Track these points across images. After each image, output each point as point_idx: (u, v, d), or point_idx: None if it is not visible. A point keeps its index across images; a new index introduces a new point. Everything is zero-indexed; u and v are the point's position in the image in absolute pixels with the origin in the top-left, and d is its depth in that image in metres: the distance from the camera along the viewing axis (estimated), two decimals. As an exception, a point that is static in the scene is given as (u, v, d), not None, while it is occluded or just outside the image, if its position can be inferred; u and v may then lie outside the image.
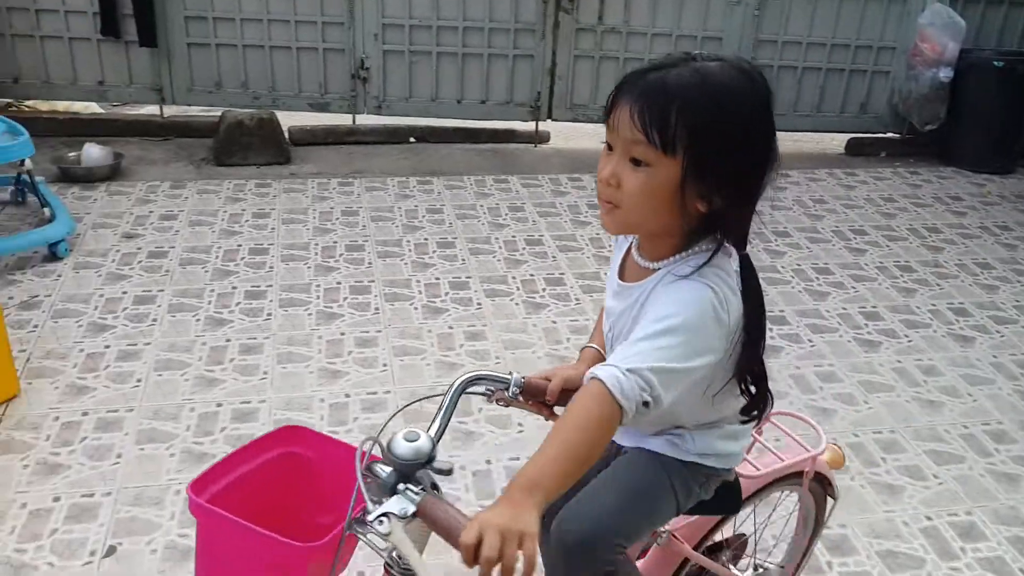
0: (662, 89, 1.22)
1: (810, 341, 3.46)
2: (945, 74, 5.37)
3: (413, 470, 1.17)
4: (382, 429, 1.25)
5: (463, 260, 3.92)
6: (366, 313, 3.43)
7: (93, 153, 4.44)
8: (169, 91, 5.16)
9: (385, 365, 3.10)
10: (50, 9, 4.92)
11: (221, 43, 5.10)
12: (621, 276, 1.43)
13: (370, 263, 3.83)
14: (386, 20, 5.17)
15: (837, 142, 5.99)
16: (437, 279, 3.74)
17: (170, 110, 5.34)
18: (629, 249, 1.43)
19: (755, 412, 1.42)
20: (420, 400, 1.50)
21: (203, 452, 2.61)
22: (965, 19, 5.36)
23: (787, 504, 2.06)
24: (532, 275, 3.84)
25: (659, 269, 1.33)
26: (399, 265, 3.83)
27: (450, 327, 3.38)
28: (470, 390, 1.42)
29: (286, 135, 5.09)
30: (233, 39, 5.10)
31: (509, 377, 1.44)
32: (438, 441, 1.24)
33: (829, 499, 2.00)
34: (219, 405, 2.83)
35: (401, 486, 1.15)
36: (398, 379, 3.03)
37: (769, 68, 5.55)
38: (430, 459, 1.18)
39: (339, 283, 3.64)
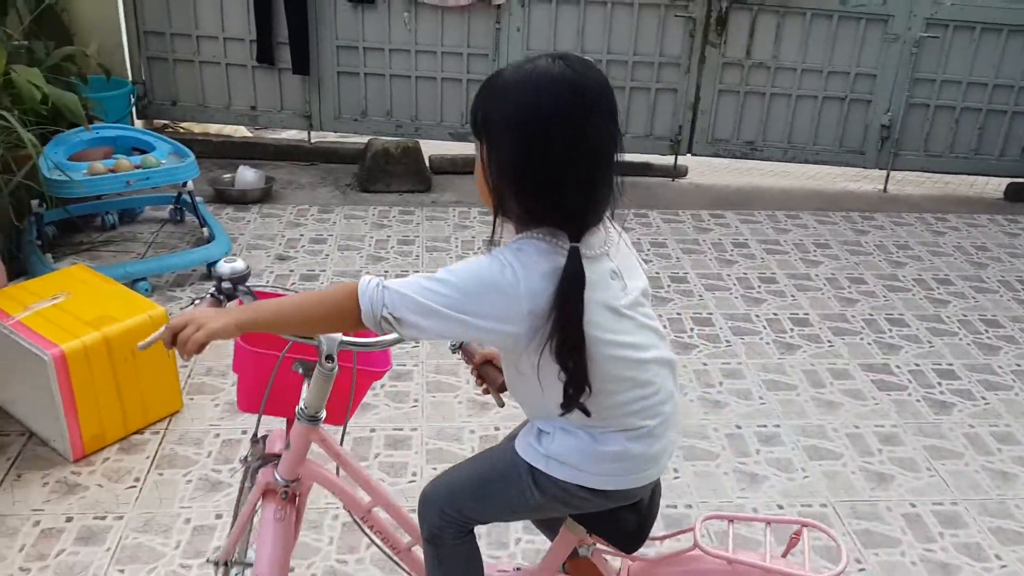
0: (485, 84, 1.38)
1: (984, 399, 3.22)
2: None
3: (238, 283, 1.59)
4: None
5: (608, 295, 3.83)
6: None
7: (247, 176, 4.58)
8: (317, 118, 5.29)
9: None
10: (210, 36, 5.13)
11: (369, 72, 5.21)
12: None
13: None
14: (529, 52, 5.18)
15: (993, 186, 5.66)
16: (582, 313, 3.66)
17: (315, 136, 5.47)
18: None
19: (568, 399, 1.38)
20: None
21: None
22: None
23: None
24: (679, 314, 3.72)
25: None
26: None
27: (598, 364, 3.29)
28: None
29: (427, 163, 5.14)
30: (381, 69, 5.20)
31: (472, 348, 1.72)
32: None
33: None
34: (372, 431, 2.82)
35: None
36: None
37: (925, 108, 5.30)
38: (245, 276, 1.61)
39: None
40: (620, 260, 1.47)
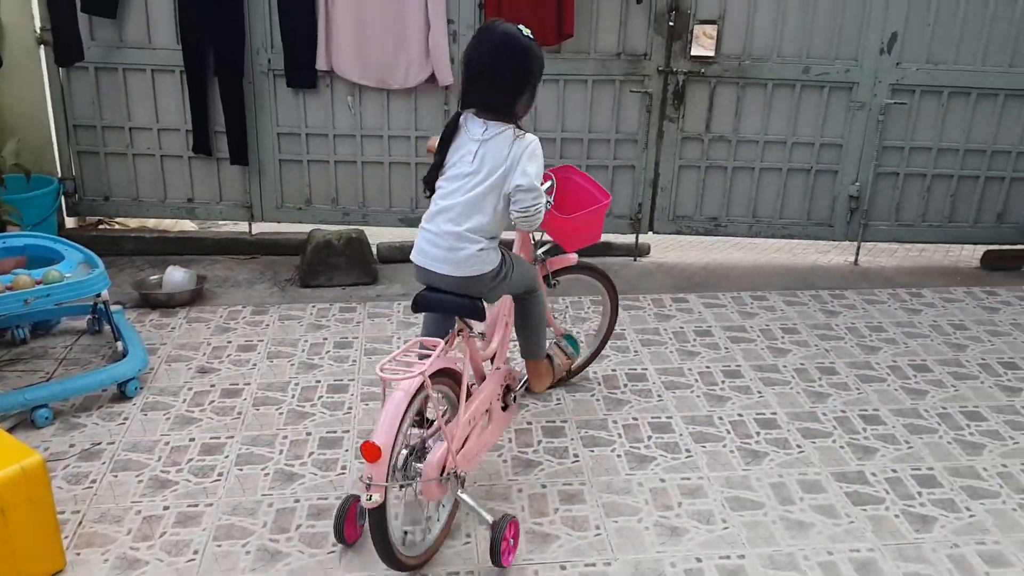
0: None
1: (968, 510, 2.92)
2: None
3: None
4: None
5: (558, 399, 3.54)
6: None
7: (175, 277, 4.30)
8: (258, 208, 5.04)
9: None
10: (143, 127, 4.89)
11: (313, 159, 4.98)
12: None
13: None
14: (480, 132, 4.96)
15: (968, 253, 5.43)
16: (529, 424, 3.36)
17: (257, 227, 5.21)
18: None
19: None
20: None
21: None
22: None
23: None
24: (635, 419, 3.42)
25: None
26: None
27: (543, 485, 2.98)
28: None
29: (374, 252, 4.88)
30: (325, 155, 4.97)
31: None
32: None
33: None
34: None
35: None
36: (482, 556, 2.64)
37: (895, 176, 5.10)
38: None
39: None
40: (488, 149, 2.53)
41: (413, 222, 5.09)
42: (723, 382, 3.74)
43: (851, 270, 5.16)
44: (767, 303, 4.59)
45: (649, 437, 3.30)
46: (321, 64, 4.70)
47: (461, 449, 2.59)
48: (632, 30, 4.81)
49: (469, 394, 2.66)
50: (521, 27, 2.53)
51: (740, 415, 3.48)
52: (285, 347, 3.92)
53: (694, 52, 4.85)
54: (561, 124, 4.95)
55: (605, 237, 5.24)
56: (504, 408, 2.96)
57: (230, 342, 3.95)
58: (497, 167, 2.50)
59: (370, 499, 2.23)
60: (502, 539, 2.49)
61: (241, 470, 3.01)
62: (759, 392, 3.66)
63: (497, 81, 2.53)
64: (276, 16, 4.67)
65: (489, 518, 2.54)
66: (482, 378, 2.86)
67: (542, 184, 2.57)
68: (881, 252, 5.49)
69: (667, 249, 5.56)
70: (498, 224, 2.60)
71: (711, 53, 4.85)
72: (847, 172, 5.08)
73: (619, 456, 3.17)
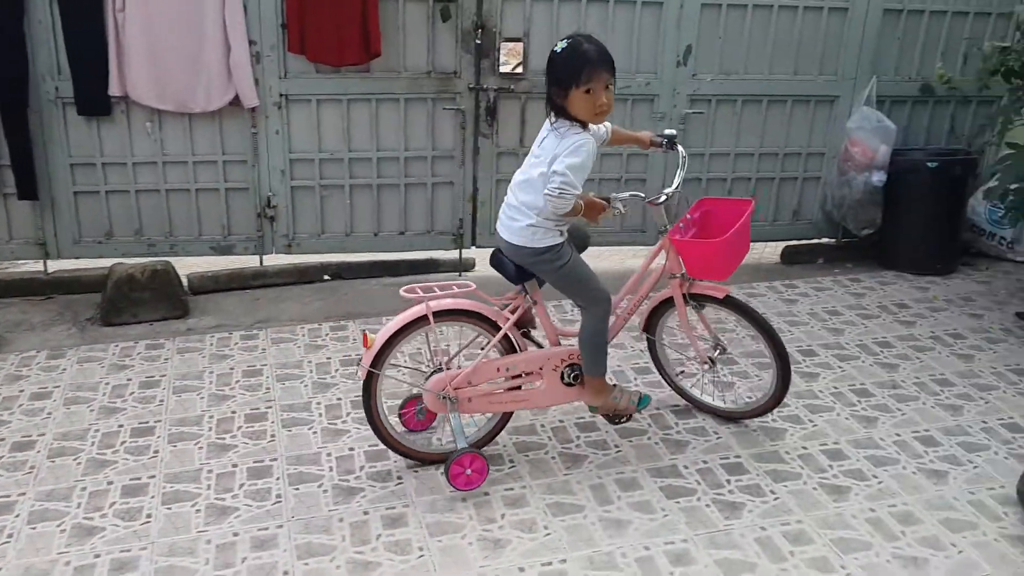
0: (607, 55, 2.83)
1: (773, 493, 3.08)
2: (878, 178, 5.22)
3: None
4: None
5: (381, 423, 3.48)
6: (265, 503, 2.95)
7: (-43, 324, 3.94)
8: (53, 245, 4.71)
9: (286, 574, 2.62)
10: (-83, 163, 4.49)
11: (112, 189, 4.71)
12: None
13: (273, 436, 3.37)
14: (293, 155, 4.84)
15: (771, 250, 5.78)
16: (351, 450, 3.29)
17: (54, 265, 4.86)
18: (593, 145, 2.94)
19: None
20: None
21: None
22: (892, 121, 5.25)
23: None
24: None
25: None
26: (307, 436, 3.38)
27: (365, 512, 2.92)
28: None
29: (185, 284, 4.66)
30: (125, 184, 4.71)
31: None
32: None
33: None
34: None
35: None
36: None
37: (697, 182, 5.36)
38: None
39: (235, 465, 3.16)
40: (549, 139, 2.94)
41: (226, 249, 4.91)
42: (545, 391, 3.79)
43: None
44: (587, 310, 4.70)
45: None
46: (114, 90, 4.46)
47: (464, 384, 3.07)
48: (441, 48, 4.83)
49: (514, 348, 3.16)
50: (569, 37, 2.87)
51: (562, 420, 3.54)
52: (84, 392, 3.66)
53: (503, 69, 4.93)
54: (376, 143, 4.91)
55: (430, 254, 5.28)
56: (567, 384, 3.19)
57: (22, 391, 3.65)
58: (548, 154, 2.89)
59: (356, 375, 3.26)
60: (454, 463, 2.98)
61: (34, 528, 2.78)
62: (580, 398, 3.73)
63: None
64: (62, 41, 4.39)
65: (459, 445, 3.02)
66: (555, 343, 3.24)
67: (622, 201, 3.04)
68: (694, 254, 5.74)
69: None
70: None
71: (520, 70, 4.94)
72: (655, 180, 5.29)
73: (443, 473, 3.15)
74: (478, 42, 4.82)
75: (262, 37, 4.60)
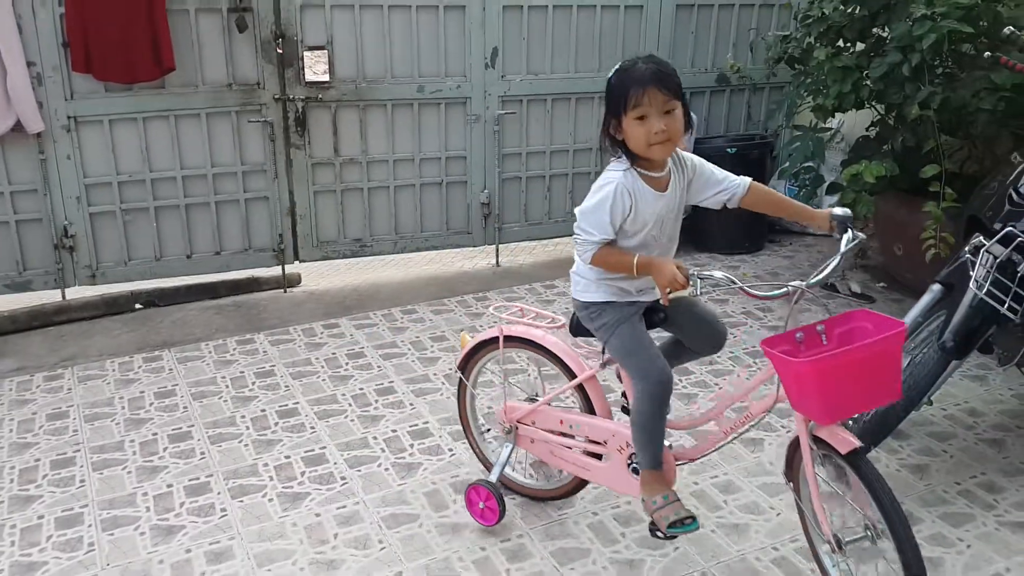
0: (662, 74, 2.27)
1: (603, 479, 3.15)
2: (683, 166, 5.45)
3: None
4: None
5: (202, 454, 3.32)
6: (76, 553, 2.75)
7: None
8: None
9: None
10: None
11: None
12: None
13: (83, 481, 3.14)
14: (89, 180, 4.54)
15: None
16: (170, 486, 3.11)
17: None
18: (639, 189, 2.34)
19: None
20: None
21: None
22: (693, 111, 5.49)
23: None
24: (288, 457, 3.31)
25: (670, 167, 2.41)
26: (121, 476, 3.17)
27: (188, 551, 2.77)
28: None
29: (-23, 327, 4.29)
30: None
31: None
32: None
33: None
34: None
35: None
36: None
37: (518, 180, 5.44)
38: None
39: (41, 517, 2.93)
40: None
41: (22, 286, 4.55)
42: (376, 401, 3.74)
43: (493, 271, 5.43)
44: (416, 315, 4.68)
45: (303, 473, 3.20)
46: None
47: (528, 422, 2.86)
48: (240, 59, 4.67)
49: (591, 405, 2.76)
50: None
51: (394, 431, 3.49)
52: None
53: (309, 78, 4.82)
54: (180, 161, 4.69)
55: (251, 273, 5.09)
56: (633, 471, 2.60)
57: None
58: None
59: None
60: (471, 489, 2.88)
61: None
62: (411, 405, 3.70)
63: None
64: None
65: (490, 476, 2.90)
66: (604, 415, 2.75)
67: (705, 283, 2.18)
68: (521, 251, 5.84)
69: (320, 276, 5.49)
70: None
71: (326, 78, 4.85)
72: (475, 181, 5.34)
73: (271, 500, 3.04)
74: (280, 51, 4.69)
75: (42, 57, 4.28)
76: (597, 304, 2.52)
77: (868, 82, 4.34)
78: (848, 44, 4.66)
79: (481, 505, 2.85)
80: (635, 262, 2.27)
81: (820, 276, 2.22)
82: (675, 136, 2.26)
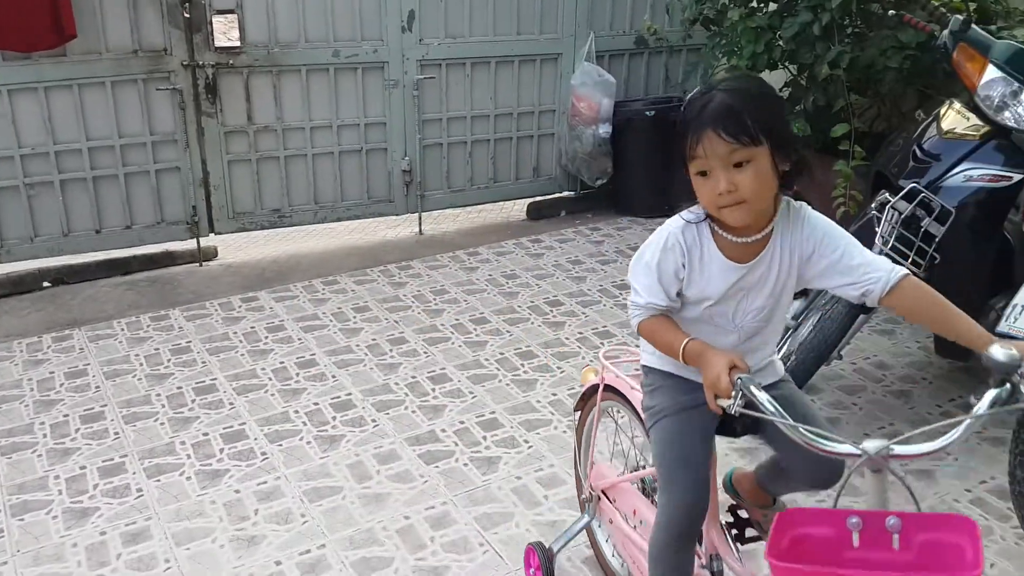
0: (728, 110, 1.60)
1: (527, 442, 3.18)
2: (604, 130, 5.48)
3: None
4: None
5: (116, 434, 3.23)
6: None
7: None
8: None
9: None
10: None
11: None
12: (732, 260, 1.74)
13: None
14: (-20, 162, 4.34)
15: (519, 208, 5.94)
16: (83, 468, 3.03)
17: None
18: (701, 250, 1.73)
19: None
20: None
21: None
22: (613, 74, 5.51)
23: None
24: (206, 434, 3.24)
25: (771, 230, 1.72)
26: (30, 460, 3.07)
27: (102, 532, 2.70)
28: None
29: None
30: None
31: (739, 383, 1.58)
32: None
33: None
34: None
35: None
36: None
37: (439, 147, 5.38)
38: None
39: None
40: None
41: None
42: (297, 374, 3.68)
43: (416, 240, 5.39)
44: (338, 286, 4.62)
45: (221, 450, 3.14)
46: None
47: (607, 489, 2.37)
48: (145, 24, 4.49)
49: None
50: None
51: (316, 403, 3.45)
52: None
53: (219, 43, 4.66)
54: (85, 132, 4.50)
55: (164, 247, 4.95)
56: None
57: None
58: None
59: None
60: (531, 548, 2.44)
61: None
62: (334, 376, 3.66)
63: None
64: None
65: (552, 543, 2.44)
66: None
67: (743, 400, 1.54)
68: (445, 219, 5.79)
69: (238, 248, 5.36)
70: None
71: (237, 43, 4.70)
72: (396, 148, 5.26)
73: (189, 478, 2.98)
74: (187, 15, 4.52)
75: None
76: (654, 374, 1.93)
77: (780, 42, 4.40)
78: (761, 5, 4.71)
79: (531, 570, 2.44)
80: (683, 347, 1.68)
81: (929, 448, 1.42)
82: (752, 197, 1.60)
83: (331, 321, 4.19)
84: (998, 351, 1.46)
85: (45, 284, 4.61)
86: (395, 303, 4.39)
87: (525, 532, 2.70)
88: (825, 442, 1.45)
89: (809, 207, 1.74)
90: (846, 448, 1.42)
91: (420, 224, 5.49)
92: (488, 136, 5.54)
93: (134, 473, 3.00)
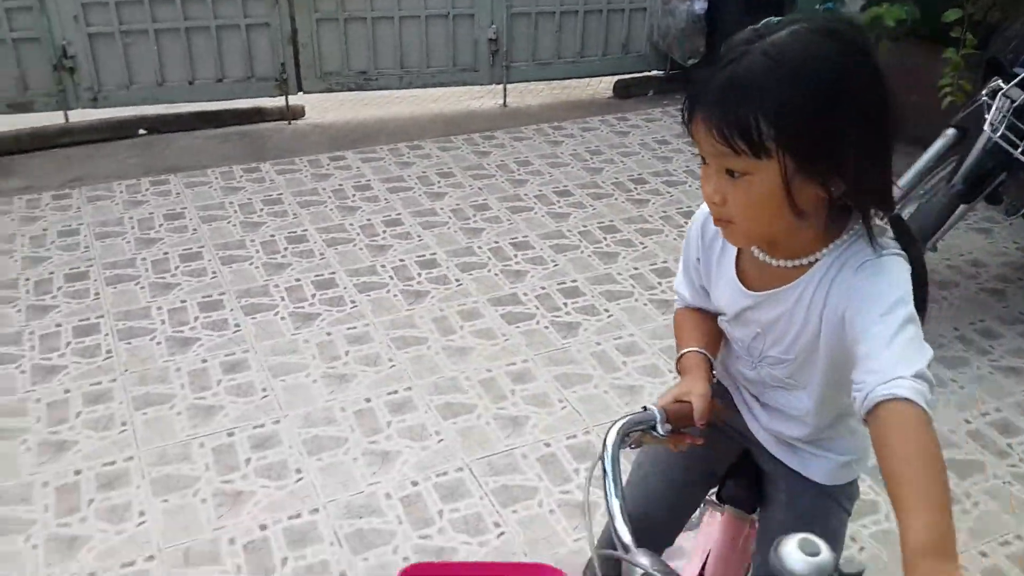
0: (734, 90, 1.07)
1: (607, 310, 3.23)
2: (700, 6, 5.29)
3: None
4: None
5: (214, 273, 3.38)
6: (95, 359, 2.84)
7: None
8: None
9: (124, 424, 2.56)
10: None
11: None
12: (744, 284, 1.29)
13: (97, 294, 3.20)
14: (85, -1, 4.40)
15: (605, 85, 5.84)
16: (183, 302, 3.18)
17: None
18: (739, 253, 1.30)
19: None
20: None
21: None
22: (709, -53, 5.28)
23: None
24: (298, 279, 3.37)
25: (813, 263, 1.20)
26: (134, 291, 3.24)
27: (204, 360, 2.86)
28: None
29: (-20, 145, 4.26)
30: None
31: (651, 414, 1.23)
32: (630, 528, 1.10)
33: None
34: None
35: None
36: (142, 439, 2.50)
37: (527, 16, 5.27)
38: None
39: (59, 325, 3.01)
40: None
41: (24, 107, 4.48)
42: (384, 231, 3.77)
43: (500, 111, 5.35)
44: (423, 151, 4.65)
45: (313, 295, 3.27)
46: None
47: None
48: None
49: None
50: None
51: (402, 260, 3.54)
52: None
53: None
54: (181, -18, 4.53)
55: (254, 102, 5.01)
56: None
57: None
58: None
59: None
60: None
61: None
62: (419, 236, 3.74)
63: None
64: None
65: None
66: None
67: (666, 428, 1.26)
68: (528, 92, 5.73)
69: (325, 110, 5.40)
70: None
71: None
72: (482, 15, 5.17)
73: (283, 318, 3.12)
74: None
75: None
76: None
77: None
78: None
79: None
80: (678, 358, 1.38)
81: None
82: (741, 220, 1.15)
83: (416, 184, 4.24)
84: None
85: (141, 131, 4.74)
86: (479, 171, 4.41)
87: (603, 393, 2.78)
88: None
89: (894, 258, 1.15)
90: None
91: (505, 96, 5.45)
92: (577, 7, 5.39)
93: (231, 310, 3.14)
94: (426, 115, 5.29)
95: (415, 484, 2.41)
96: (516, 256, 3.60)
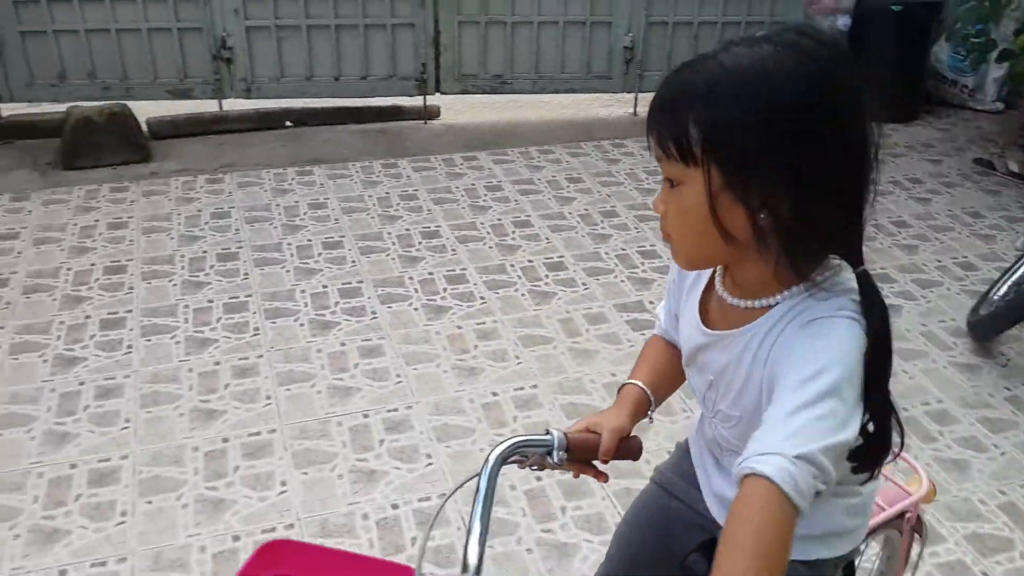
0: (676, 95, 1.01)
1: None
2: (843, 22, 5.19)
3: None
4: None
5: (353, 262, 3.54)
6: (243, 335, 3.02)
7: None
8: (5, 88, 4.54)
9: (269, 398, 2.72)
10: None
11: (60, 29, 4.51)
12: (705, 321, 1.17)
13: (246, 274, 3.40)
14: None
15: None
16: (325, 287, 3.35)
17: (11, 108, 4.71)
18: (709, 285, 1.19)
19: (869, 459, 1.05)
20: (459, 486, 1.20)
21: (55, 528, 2.20)
22: (859, -36, 5.17)
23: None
24: (431, 273, 3.49)
25: (768, 307, 1.08)
26: (280, 274, 3.42)
27: (342, 343, 3.01)
28: (508, 461, 1.17)
29: (144, 128, 4.56)
30: (73, 24, 4.51)
31: (549, 438, 1.20)
32: (482, 552, 1.01)
33: (917, 536, 1.62)
34: (73, 467, 2.41)
35: None
36: (284, 413, 2.66)
37: (664, 25, 5.28)
38: None
39: (211, 301, 3.22)
40: None
41: (183, 93, 4.78)
42: (513, 232, 3.86)
43: (631, 120, 5.38)
44: (553, 156, 4.72)
45: (445, 289, 3.38)
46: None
47: None
48: None
49: None
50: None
51: (531, 261, 3.62)
52: (52, 232, 3.64)
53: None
54: (335, -18, 4.74)
55: (394, 100, 5.19)
56: None
57: (-13, 232, 3.63)
58: None
59: None
60: None
61: (16, 359, 2.83)
62: (547, 239, 3.81)
63: None
64: None
65: None
66: None
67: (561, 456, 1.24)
68: (658, 102, 5.72)
69: (459, 112, 5.55)
70: None
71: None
72: (620, 23, 5.21)
73: (416, 309, 3.24)
74: None
75: None
76: None
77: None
78: None
79: None
80: (622, 385, 1.33)
81: None
82: (673, 234, 1.08)
83: (545, 187, 4.32)
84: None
85: (288, 123, 4.98)
86: (608, 178, 4.46)
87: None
88: None
89: (846, 321, 1.01)
90: None
91: (636, 105, 5.47)
92: (716, 18, 5.37)
93: (369, 298, 3.29)
94: (556, 120, 5.36)
95: (539, 479, 2.47)
96: (643, 264, 3.62)
